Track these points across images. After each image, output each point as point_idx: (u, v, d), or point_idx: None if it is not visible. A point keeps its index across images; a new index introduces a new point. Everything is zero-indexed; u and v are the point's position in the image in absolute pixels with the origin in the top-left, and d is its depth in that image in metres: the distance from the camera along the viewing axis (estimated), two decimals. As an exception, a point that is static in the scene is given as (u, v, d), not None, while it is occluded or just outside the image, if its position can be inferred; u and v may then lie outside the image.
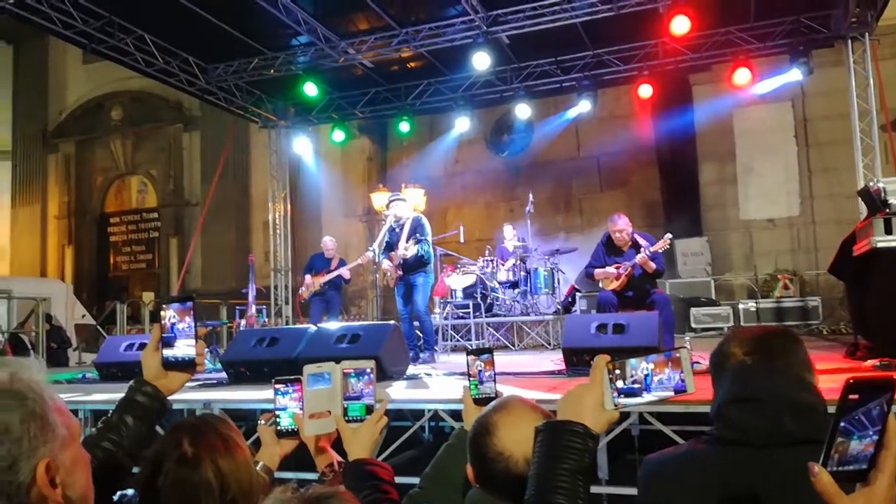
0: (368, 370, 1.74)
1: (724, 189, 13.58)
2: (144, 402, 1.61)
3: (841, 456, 0.94)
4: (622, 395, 1.24)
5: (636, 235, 6.58)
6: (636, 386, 1.23)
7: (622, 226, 6.53)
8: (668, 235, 6.46)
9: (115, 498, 1.51)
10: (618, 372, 1.24)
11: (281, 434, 1.86)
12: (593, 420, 1.23)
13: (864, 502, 0.94)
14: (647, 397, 1.24)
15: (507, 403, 1.52)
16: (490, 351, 1.92)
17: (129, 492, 1.52)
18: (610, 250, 6.68)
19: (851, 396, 0.93)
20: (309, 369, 1.77)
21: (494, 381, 1.89)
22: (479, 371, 1.89)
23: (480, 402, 1.83)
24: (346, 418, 1.72)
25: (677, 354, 1.24)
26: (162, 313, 1.66)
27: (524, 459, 1.40)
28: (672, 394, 1.24)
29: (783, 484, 1.33)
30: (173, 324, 1.64)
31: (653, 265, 6.33)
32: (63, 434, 1.12)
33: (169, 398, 1.67)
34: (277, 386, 1.87)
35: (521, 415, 1.47)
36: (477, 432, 1.48)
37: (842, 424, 0.94)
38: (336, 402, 1.73)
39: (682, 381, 1.23)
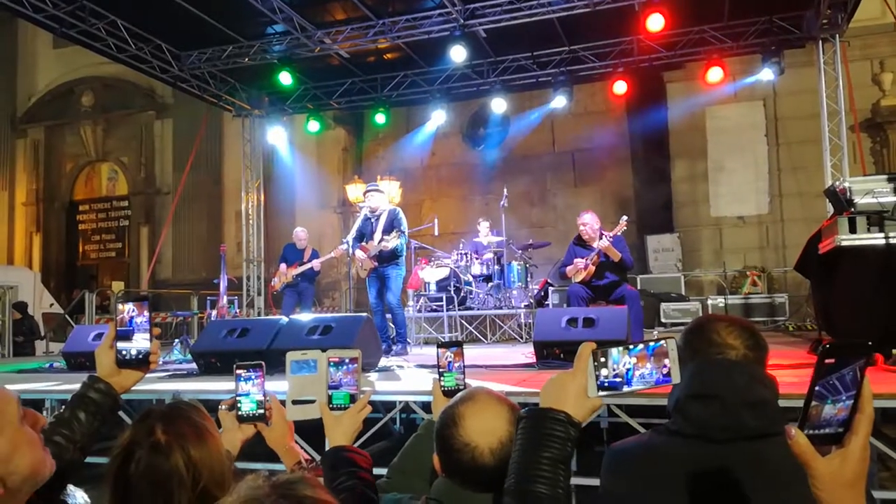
0: (349, 360, 1.77)
1: (696, 186, 13.75)
2: (97, 399, 1.62)
3: (816, 419, 0.96)
4: (604, 387, 1.23)
5: (603, 231, 6.95)
6: (617, 380, 1.23)
7: (587, 219, 6.92)
8: (624, 218, 6.97)
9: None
10: (602, 360, 1.24)
11: (242, 419, 1.87)
12: (576, 408, 1.22)
13: (839, 463, 0.96)
14: (626, 390, 1.23)
15: (472, 395, 1.54)
16: (459, 344, 1.95)
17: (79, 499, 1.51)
18: (580, 247, 7.02)
19: (827, 360, 0.95)
20: (293, 356, 1.81)
21: (463, 373, 1.93)
22: (449, 363, 1.93)
23: (449, 393, 1.86)
24: (331, 406, 1.75)
25: (664, 347, 1.23)
26: (119, 307, 1.67)
27: (489, 450, 1.42)
28: (653, 386, 1.23)
29: (742, 475, 1.37)
30: (132, 317, 1.65)
31: (617, 253, 6.60)
32: None
33: (130, 392, 1.68)
34: (239, 371, 1.88)
35: (487, 406, 1.49)
36: (443, 423, 1.49)
37: (817, 388, 0.95)
38: (321, 389, 1.76)
39: (666, 374, 1.23)
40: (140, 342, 1.66)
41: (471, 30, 9.53)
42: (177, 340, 8.30)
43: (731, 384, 1.43)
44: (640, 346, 1.24)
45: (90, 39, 9.62)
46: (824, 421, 0.97)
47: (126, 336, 1.65)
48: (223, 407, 1.90)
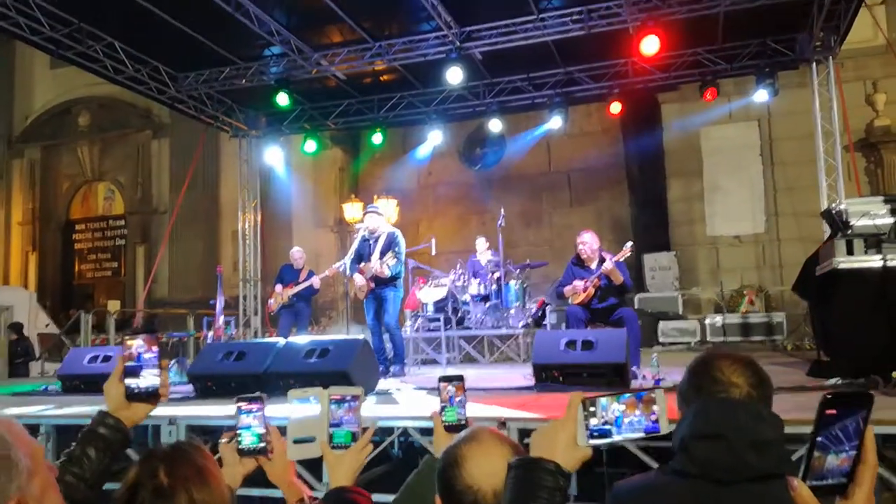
0: (350, 397, 1.75)
1: (692, 205, 13.77)
2: (107, 435, 1.60)
3: (818, 470, 0.95)
4: (594, 436, 1.24)
5: (603, 252, 6.83)
6: (607, 427, 1.24)
7: (586, 238, 6.83)
8: (629, 244, 6.83)
9: None
10: (592, 409, 1.25)
11: (243, 453, 1.85)
12: (565, 457, 1.23)
13: None
14: (616, 437, 1.24)
15: (476, 435, 1.52)
16: (461, 378, 1.93)
17: None
18: (578, 268, 6.93)
19: (829, 412, 0.94)
20: (294, 394, 1.78)
21: (464, 407, 1.91)
22: (450, 397, 1.91)
23: (451, 429, 1.84)
24: (332, 445, 1.73)
25: (652, 395, 1.24)
26: (128, 342, 1.66)
27: (493, 492, 1.40)
28: (643, 434, 1.24)
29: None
30: (140, 353, 1.64)
31: (620, 276, 6.54)
32: (28, 466, 1.11)
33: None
34: (240, 404, 1.86)
35: (491, 447, 1.47)
36: (446, 463, 1.48)
37: (819, 439, 0.95)
38: (322, 428, 1.74)
39: (654, 421, 1.24)
40: (149, 378, 1.66)
41: (467, 52, 9.58)
42: (173, 361, 8.24)
43: (736, 424, 1.41)
44: (629, 394, 1.25)
45: (87, 61, 9.64)
46: (827, 472, 0.96)
47: (134, 372, 1.65)
48: (224, 441, 1.89)
